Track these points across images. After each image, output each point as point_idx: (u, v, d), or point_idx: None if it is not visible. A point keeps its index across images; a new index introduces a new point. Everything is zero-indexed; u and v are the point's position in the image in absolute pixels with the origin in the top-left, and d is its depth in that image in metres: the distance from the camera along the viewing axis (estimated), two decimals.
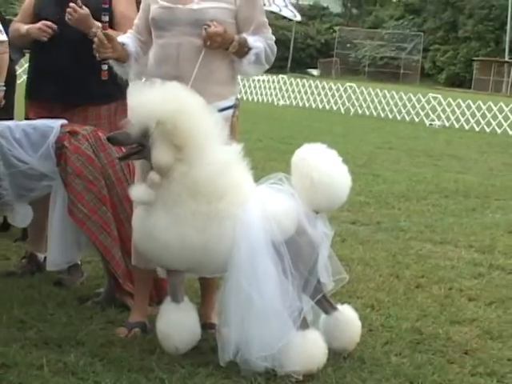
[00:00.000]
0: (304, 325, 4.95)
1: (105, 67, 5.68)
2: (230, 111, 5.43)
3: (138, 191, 5.04)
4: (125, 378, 4.65)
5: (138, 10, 5.75)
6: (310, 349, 4.90)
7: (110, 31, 5.56)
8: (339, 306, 5.36)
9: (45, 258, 6.82)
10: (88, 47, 5.60)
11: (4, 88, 6.75)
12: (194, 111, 4.84)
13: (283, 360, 4.82)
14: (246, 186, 5.02)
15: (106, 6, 5.75)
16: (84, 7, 5.91)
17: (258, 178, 5.18)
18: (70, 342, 5.15)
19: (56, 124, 5.76)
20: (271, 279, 4.81)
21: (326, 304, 5.26)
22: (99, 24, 5.81)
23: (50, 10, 6.48)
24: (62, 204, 5.65)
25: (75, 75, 6.33)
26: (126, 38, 5.55)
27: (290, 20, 61.60)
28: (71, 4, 5.85)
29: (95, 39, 5.41)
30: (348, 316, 5.35)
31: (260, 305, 4.78)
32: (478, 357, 5.47)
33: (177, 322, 5.11)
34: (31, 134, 6.09)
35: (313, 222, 4.99)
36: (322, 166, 5.00)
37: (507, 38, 72.96)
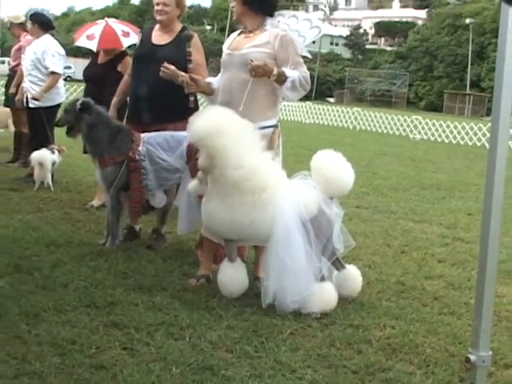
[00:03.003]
0: (322, 278, 4.99)
1: (191, 97, 5.86)
2: (271, 129, 5.42)
3: (191, 185, 5.36)
4: (195, 313, 4.71)
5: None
6: (325, 295, 4.96)
7: (192, 75, 5.69)
8: (347, 265, 5.39)
9: (140, 229, 6.90)
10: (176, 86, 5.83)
11: None
12: (221, 130, 4.87)
13: (307, 303, 4.86)
14: (280, 181, 5.06)
15: (190, 59, 5.86)
16: (171, 66, 5.88)
17: (290, 175, 5.21)
18: (157, 287, 5.21)
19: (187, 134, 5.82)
20: (299, 247, 4.86)
21: (337, 263, 5.28)
22: (183, 73, 5.83)
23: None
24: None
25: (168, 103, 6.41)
26: (212, 78, 5.71)
27: (315, 63, 61.74)
28: (164, 64, 5.85)
29: (184, 79, 5.55)
30: (353, 272, 5.39)
31: (291, 265, 4.84)
32: (444, 301, 5.48)
33: (231, 275, 5.19)
34: (170, 140, 6.22)
35: (329, 205, 5.05)
36: (333, 165, 5.07)
37: (468, 77, 72.40)
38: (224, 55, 5.60)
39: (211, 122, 4.94)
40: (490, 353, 3.79)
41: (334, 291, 5.04)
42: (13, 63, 11.36)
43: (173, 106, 6.37)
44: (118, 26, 8.65)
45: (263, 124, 5.35)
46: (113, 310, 4.67)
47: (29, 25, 10.01)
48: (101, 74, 8.05)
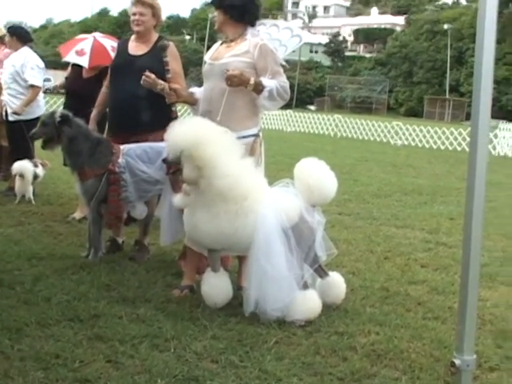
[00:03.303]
0: (305, 286, 4.99)
1: (173, 107, 5.86)
2: (252, 138, 5.41)
3: (176, 199, 5.24)
4: (179, 324, 4.69)
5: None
6: (309, 303, 4.95)
7: (172, 84, 5.72)
8: (330, 273, 5.39)
9: (122, 241, 6.88)
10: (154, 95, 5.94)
11: None
12: (206, 140, 4.85)
13: (290, 311, 4.85)
14: (262, 189, 5.05)
15: (168, 68, 5.85)
16: (152, 74, 5.91)
17: (271, 183, 5.21)
18: (140, 299, 5.18)
19: None
20: (280, 255, 4.85)
21: (320, 271, 5.27)
22: (162, 82, 5.88)
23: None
24: (170, 201, 5.65)
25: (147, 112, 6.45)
26: (195, 88, 5.72)
27: (295, 71, 61.90)
28: (145, 73, 5.88)
29: (163, 87, 5.56)
30: (336, 279, 5.39)
31: (272, 272, 4.83)
32: (428, 306, 5.49)
33: (215, 285, 5.17)
34: (149, 151, 6.21)
35: (311, 213, 5.04)
36: (316, 173, 5.07)
37: (447, 82, 72.86)
38: (205, 65, 5.61)
39: (193, 132, 4.91)
40: (475, 356, 3.80)
41: (317, 298, 5.03)
42: None
43: (152, 115, 6.40)
44: (106, 41, 8.62)
45: (243, 133, 5.34)
46: (96, 323, 4.64)
47: (7, 38, 9.96)
48: (87, 88, 8.00)
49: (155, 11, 6.62)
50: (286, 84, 5.39)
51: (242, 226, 4.90)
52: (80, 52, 8.52)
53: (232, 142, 5.02)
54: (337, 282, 5.37)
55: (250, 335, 4.57)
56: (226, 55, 5.39)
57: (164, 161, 5.26)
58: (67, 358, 4.04)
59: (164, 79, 6.04)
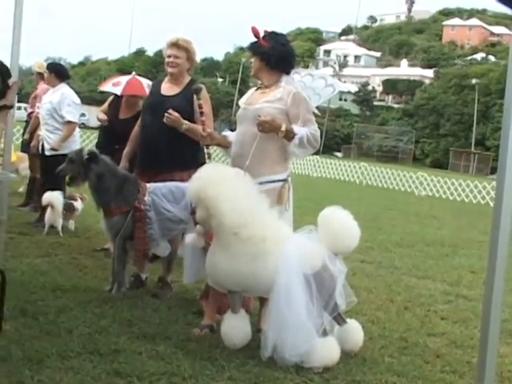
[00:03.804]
0: (324, 333, 4.92)
1: (206, 149, 5.90)
2: (280, 183, 5.41)
3: (188, 237, 5.41)
4: (197, 364, 4.65)
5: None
6: (328, 350, 4.88)
7: (206, 128, 5.76)
8: (348, 320, 5.33)
9: (146, 277, 6.87)
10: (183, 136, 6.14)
11: None
12: (215, 180, 4.90)
13: (308, 357, 4.79)
14: (283, 232, 5.03)
15: (202, 111, 5.88)
16: (175, 113, 6.12)
17: (296, 228, 5.20)
18: (160, 336, 5.15)
19: None
20: (301, 302, 4.79)
21: (339, 319, 5.20)
22: (187, 122, 6.10)
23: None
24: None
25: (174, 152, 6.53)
26: (228, 132, 5.76)
27: (323, 117, 62.18)
28: (169, 110, 6.07)
29: (187, 128, 5.62)
30: (354, 327, 5.31)
31: (291, 319, 4.76)
32: (446, 359, 5.40)
33: (235, 326, 5.14)
34: (175, 191, 6.24)
35: (333, 261, 4.98)
36: (340, 221, 5.03)
37: (473, 136, 72.79)
38: (240, 110, 5.67)
39: (204, 176, 4.99)
40: None
41: (336, 346, 4.96)
42: (29, 110, 11.50)
43: (179, 155, 6.46)
44: (144, 79, 8.84)
45: (272, 178, 5.37)
46: (116, 358, 4.61)
47: (46, 74, 10.20)
48: (123, 129, 8.08)
49: (190, 55, 6.70)
50: (317, 132, 5.40)
51: (260, 268, 4.86)
52: (116, 83, 8.77)
53: (249, 184, 5.05)
54: (355, 330, 5.30)
55: (267, 379, 4.53)
56: (260, 101, 5.44)
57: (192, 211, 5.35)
58: None
59: (192, 121, 6.19)
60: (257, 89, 5.68)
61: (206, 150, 6.02)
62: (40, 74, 11.17)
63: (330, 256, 4.97)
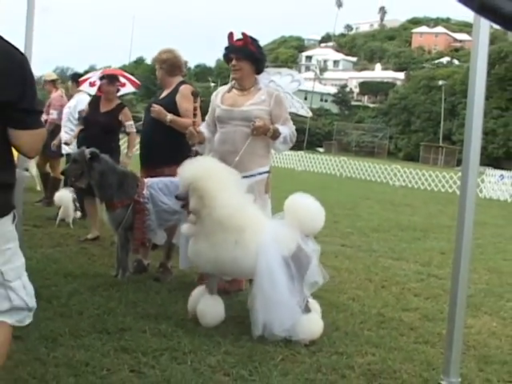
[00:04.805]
0: (307, 309, 4.93)
1: (194, 148, 5.90)
2: (266, 175, 5.52)
3: (184, 227, 5.24)
4: (196, 340, 4.67)
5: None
6: (312, 325, 4.89)
7: (197, 127, 5.72)
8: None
9: (148, 263, 6.88)
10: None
11: None
12: (210, 175, 4.87)
13: (296, 332, 4.79)
14: (261, 221, 5.00)
15: (196, 112, 5.87)
16: (157, 106, 6.54)
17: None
18: (162, 316, 5.16)
19: None
20: (283, 282, 4.79)
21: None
22: (169, 114, 6.46)
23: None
24: None
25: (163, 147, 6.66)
26: (203, 128, 5.72)
27: (306, 117, 62.24)
28: (153, 104, 6.54)
29: (189, 132, 5.56)
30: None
31: (275, 299, 4.77)
32: (419, 332, 5.43)
33: (209, 306, 5.11)
34: (169, 185, 6.25)
35: (305, 242, 4.95)
36: (305, 206, 4.99)
37: (441, 132, 72.93)
38: (220, 110, 5.61)
39: (199, 168, 4.96)
40: (459, 379, 3.77)
41: (319, 320, 4.98)
42: (44, 117, 11.47)
43: (168, 151, 6.59)
44: (117, 72, 9.39)
45: (260, 170, 5.52)
46: (123, 336, 4.63)
47: (69, 83, 10.81)
48: (105, 121, 8.07)
49: (161, 62, 6.89)
50: (294, 129, 5.55)
51: (240, 256, 4.82)
52: (92, 84, 9.49)
53: (236, 179, 5.03)
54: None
55: (259, 352, 4.54)
56: (247, 103, 5.45)
57: (176, 196, 5.26)
58: (96, 366, 4.04)
59: (177, 115, 6.53)
60: (230, 90, 5.67)
61: (193, 148, 6.01)
62: (52, 82, 11.17)
63: (302, 237, 4.94)
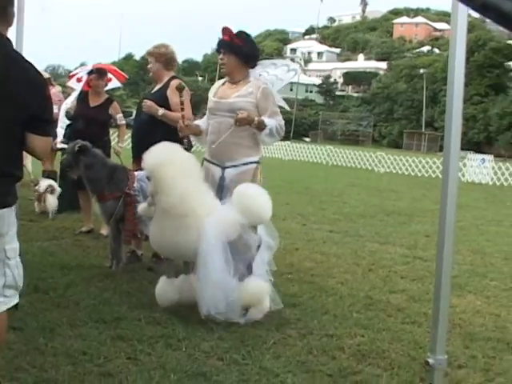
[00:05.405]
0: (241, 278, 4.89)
1: (185, 140, 5.88)
2: (254, 165, 5.44)
3: (140, 207, 5.49)
4: (190, 327, 4.68)
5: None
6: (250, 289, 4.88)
7: (186, 121, 5.73)
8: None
9: (141, 253, 6.87)
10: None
11: None
12: (166, 162, 4.93)
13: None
14: (206, 207, 4.96)
15: (183, 107, 5.81)
16: (149, 101, 6.54)
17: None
18: (156, 304, 5.15)
19: None
20: (217, 266, 4.77)
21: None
22: (159, 108, 6.45)
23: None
24: None
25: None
26: (200, 121, 5.74)
27: (292, 108, 62.44)
28: (144, 100, 6.53)
29: (179, 125, 5.64)
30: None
31: (209, 280, 4.76)
32: (406, 312, 5.47)
33: (165, 289, 5.19)
34: None
35: (248, 232, 4.88)
36: (251, 197, 4.91)
37: (423, 119, 73.06)
38: (211, 102, 5.61)
39: (157, 156, 5.00)
40: (446, 356, 3.79)
41: (260, 281, 4.95)
42: None
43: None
44: (106, 66, 9.28)
45: (246, 160, 5.41)
46: (118, 325, 4.63)
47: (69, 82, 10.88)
48: (95, 115, 8.02)
49: (160, 57, 6.81)
50: (282, 123, 5.45)
51: (183, 241, 4.85)
52: (79, 79, 9.51)
53: (194, 165, 5.08)
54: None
55: (251, 337, 4.55)
56: (233, 95, 5.43)
57: (147, 178, 5.33)
58: (93, 354, 4.04)
59: (168, 109, 6.51)
60: (224, 83, 5.66)
61: (185, 140, 6.00)
62: (48, 80, 11.15)
63: (245, 227, 4.85)
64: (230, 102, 5.40)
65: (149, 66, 6.88)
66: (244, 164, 5.38)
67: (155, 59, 6.81)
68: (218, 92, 5.61)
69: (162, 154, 5.01)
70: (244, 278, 4.88)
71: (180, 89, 5.98)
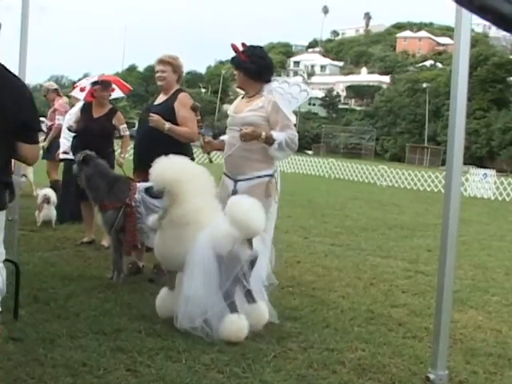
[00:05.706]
0: (233, 310, 4.78)
1: (207, 155, 5.86)
2: (266, 178, 5.40)
3: (150, 219, 5.34)
4: (190, 339, 4.64)
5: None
6: (232, 326, 4.72)
7: (208, 138, 5.78)
8: (259, 302, 5.03)
9: (143, 265, 6.86)
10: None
11: None
12: (174, 178, 4.92)
13: (220, 331, 4.70)
14: (206, 220, 4.90)
15: (201, 124, 5.86)
16: (155, 115, 6.36)
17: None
18: (157, 316, 5.13)
19: None
20: (199, 279, 4.73)
21: (249, 297, 4.95)
22: (167, 123, 6.32)
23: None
24: None
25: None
26: (226, 137, 5.70)
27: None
28: (151, 114, 6.34)
29: (200, 143, 5.79)
30: (261, 308, 5.03)
31: (197, 293, 4.71)
32: (407, 327, 5.43)
33: (165, 300, 5.15)
34: None
35: (240, 245, 4.73)
36: (242, 210, 4.71)
37: (426, 133, 73.17)
38: (229, 117, 5.70)
39: (175, 170, 4.99)
40: (447, 372, 3.78)
41: (244, 323, 4.76)
42: (49, 123, 11.43)
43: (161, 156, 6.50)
44: (111, 78, 9.27)
45: (257, 174, 5.39)
46: (119, 336, 4.61)
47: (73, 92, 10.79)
48: (99, 126, 8.01)
49: (175, 68, 6.71)
50: (295, 136, 5.39)
51: (184, 252, 4.81)
52: (82, 89, 9.46)
53: (206, 179, 5.05)
54: (261, 310, 5.02)
55: (252, 350, 4.53)
56: (245, 110, 5.47)
57: (147, 190, 5.30)
58: (93, 366, 4.02)
59: (175, 124, 6.39)
60: (242, 97, 5.70)
61: (207, 156, 5.96)
62: (55, 91, 11.33)
63: (237, 240, 4.73)
64: (242, 117, 5.44)
65: (163, 75, 6.66)
66: (256, 178, 5.36)
67: (173, 69, 6.70)
68: (235, 107, 5.67)
69: (179, 169, 4.99)
70: (230, 293, 4.78)
71: (195, 108, 5.98)
